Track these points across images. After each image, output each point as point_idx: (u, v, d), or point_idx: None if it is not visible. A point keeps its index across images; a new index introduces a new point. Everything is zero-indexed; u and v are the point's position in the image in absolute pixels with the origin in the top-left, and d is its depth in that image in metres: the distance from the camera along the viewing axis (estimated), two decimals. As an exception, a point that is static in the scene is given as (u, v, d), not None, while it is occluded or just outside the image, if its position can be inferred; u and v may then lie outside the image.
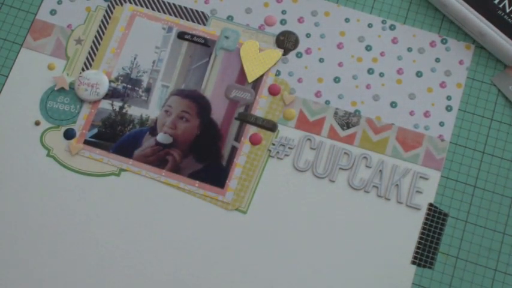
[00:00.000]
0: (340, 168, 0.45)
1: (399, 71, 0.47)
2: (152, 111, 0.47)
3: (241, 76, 0.47)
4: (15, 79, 0.47)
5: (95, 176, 0.45)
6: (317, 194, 0.45)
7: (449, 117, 0.46)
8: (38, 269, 0.44)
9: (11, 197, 0.45)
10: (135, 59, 0.48)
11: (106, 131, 0.46)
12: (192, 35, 0.48)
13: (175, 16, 0.49)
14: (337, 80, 0.47)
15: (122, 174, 0.45)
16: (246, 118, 0.46)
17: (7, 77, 0.47)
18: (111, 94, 0.47)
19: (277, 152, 0.45)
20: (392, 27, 0.48)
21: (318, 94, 0.47)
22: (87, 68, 0.48)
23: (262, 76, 0.47)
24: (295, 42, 0.48)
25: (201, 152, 0.46)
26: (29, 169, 0.45)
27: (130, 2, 0.49)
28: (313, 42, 0.48)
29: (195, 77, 0.47)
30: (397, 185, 0.45)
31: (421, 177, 0.45)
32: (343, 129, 0.46)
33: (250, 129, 0.46)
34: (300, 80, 0.47)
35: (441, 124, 0.46)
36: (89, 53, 0.48)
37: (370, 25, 0.48)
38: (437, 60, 0.47)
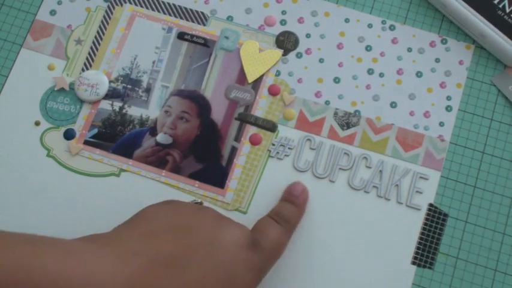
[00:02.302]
0: (340, 169, 0.45)
1: (399, 71, 0.47)
2: (152, 111, 0.47)
3: (241, 76, 0.47)
4: (15, 79, 0.47)
5: (95, 176, 0.45)
6: (317, 194, 0.45)
7: (449, 117, 0.46)
8: (37, 269, 0.44)
9: (11, 197, 0.45)
10: (135, 59, 0.48)
11: (106, 131, 0.46)
12: (192, 36, 0.48)
13: (175, 16, 0.49)
14: (337, 80, 0.47)
15: (122, 175, 0.45)
16: (246, 118, 0.46)
17: (7, 77, 0.47)
18: (111, 94, 0.47)
19: (277, 153, 0.45)
20: (392, 28, 0.48)
21: (318, 94, 0.47)
22: (87, 69, 0.48)
23: (262, 76, 0.47)
24: (295, 43, 0.48)
25: (201, 152, 0.46)
26: (29, 169, 0.45)
27: (130, 3, 0.49)
28: (313, 43, 0.48)
29: (195, 77, 0.47)
30: (397, 185, 0.45)
31: (421, 177, 0.45)
32: (343, 129, 0.46)
33: (250, 130, 0.46)
34: (300, 80, 0.47)
35: (441, 124, 0.46)
36: (89, 54, 0.48)
37: (370, 25, 0.48)
38: (437, 60, 0.47)
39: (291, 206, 0.42)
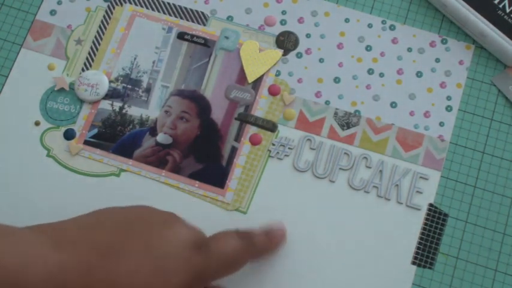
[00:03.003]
0: (340, 169, 0.45)
1: (399, 71, 0.47)
2: (152, 111, 0.47)
3: (241, 76, 0.47)
4: (15, 79, 0.47)
5: (95, 176, 0.45)
6: (317, 194, 0.45)
7: (449, 117, 0.46)
8: (37, 269, 0.44)
9: (11, 197, 0.45)
10: (135, 59, 0.48)
11: (106, 131, 0.46)
12: (192, 36, 0.48)
13: (175, 16, 0.49)
14: (337, 80, 0.47)
15: (122, 175, 0.45)
16: (246, 118, 0.46)
17: (7, 77, 0.47)
18: (111, 94, 0.47)
19: (277, 153, 0.45)
20: (392, 28, 0.48)
21: (318, 94, 0.47)
22: (87, 69, 0.48)
23: (262, 76, 0.47)
24: (295, 43, 0.48)
25: (201, 152, 0.46)
26: (29, 169, 0.45)
27: (130, 3, 0.49)
28: (313, 43, 0.48)
29: (195, 77, 0.47)
30: (397, 185, 0.45)
31: (421, 177, 0.45)
32: (343, 129, 0.46)
33: (250, 130, 0.46)
34: (300, 80, 0.47)
35: (441, 124, 0.46)
36: (89, 54, 0.48)
37: (370, 25, 0.48)
38: (437, 60, 0.47)
39: (263, 234, 0.40)
